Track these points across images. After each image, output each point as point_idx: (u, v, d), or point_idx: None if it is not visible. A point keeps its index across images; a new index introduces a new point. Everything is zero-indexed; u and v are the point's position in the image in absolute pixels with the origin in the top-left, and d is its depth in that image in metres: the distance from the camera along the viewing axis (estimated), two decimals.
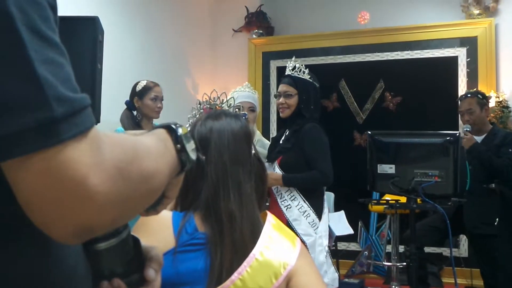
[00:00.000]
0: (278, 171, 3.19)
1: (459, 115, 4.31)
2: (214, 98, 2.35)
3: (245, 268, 1.30)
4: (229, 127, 1.42)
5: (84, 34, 3.14)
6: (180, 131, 0.76)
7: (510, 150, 3.96)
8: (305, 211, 3.08)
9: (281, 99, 3.27)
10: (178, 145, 0.75)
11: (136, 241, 0.82)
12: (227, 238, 1.33)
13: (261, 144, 3.58)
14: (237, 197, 1.36)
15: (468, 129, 4.13)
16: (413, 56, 5.59)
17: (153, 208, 0.82)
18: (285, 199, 3.12)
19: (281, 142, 3.29)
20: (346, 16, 5.96)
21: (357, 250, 5.68)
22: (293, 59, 3.37)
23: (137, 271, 0.81)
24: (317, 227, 3.07)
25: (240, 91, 3.50)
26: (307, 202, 3.10)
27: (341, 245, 5.65)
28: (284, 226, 1.49)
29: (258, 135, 3.58)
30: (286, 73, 3.34)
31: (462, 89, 5.31)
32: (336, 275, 3.16)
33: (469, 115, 4.18)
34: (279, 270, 1.33)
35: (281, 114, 3.33)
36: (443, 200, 3.34)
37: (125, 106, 3.75)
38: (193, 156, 0.77)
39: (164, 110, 3.84)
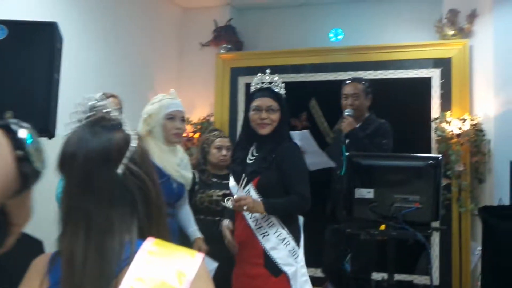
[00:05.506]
0: (253, 193, 2.87)
1: (342, 98, 4.24)
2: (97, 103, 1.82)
3: None
4: (84, 145, 1.14)
5: (41, 41, 2.85)
6: (22, 133, 0.56)
7: (384, 141, 4.00)
8: (285, 238, 2.83)
9: (264, 114, 2.92)
10: (19, 152, 0.56)
11: None
12: (64, 284, 1.08)
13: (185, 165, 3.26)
14: (82, 234, 1.10)
15: (349, 113, 4.08)
16: (386, 76, 5.46)
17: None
18: (262, 226, 2.84)
19: (248, 161, 2.97)
20: (318, 33, 5.87)
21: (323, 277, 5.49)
22: (268, 71, 3.06)
23: None
24: (297, 255, 2.85)
25: (171, 99, 3.15)
26: (286, 229, 2.84)
27: (308, 271, 5.42)
28: (171, 245, 1.17)
29: (181, 152, 3.29)
30: (259, 86, 2.99)
31: (435, 111, 5.21)
32: None
33: (353, 100, 4.15)
34: None
35: (261, 131, 2.93)
36: (424, 227, 3.20)
37: None
38: (40, 167, 0.60)
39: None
